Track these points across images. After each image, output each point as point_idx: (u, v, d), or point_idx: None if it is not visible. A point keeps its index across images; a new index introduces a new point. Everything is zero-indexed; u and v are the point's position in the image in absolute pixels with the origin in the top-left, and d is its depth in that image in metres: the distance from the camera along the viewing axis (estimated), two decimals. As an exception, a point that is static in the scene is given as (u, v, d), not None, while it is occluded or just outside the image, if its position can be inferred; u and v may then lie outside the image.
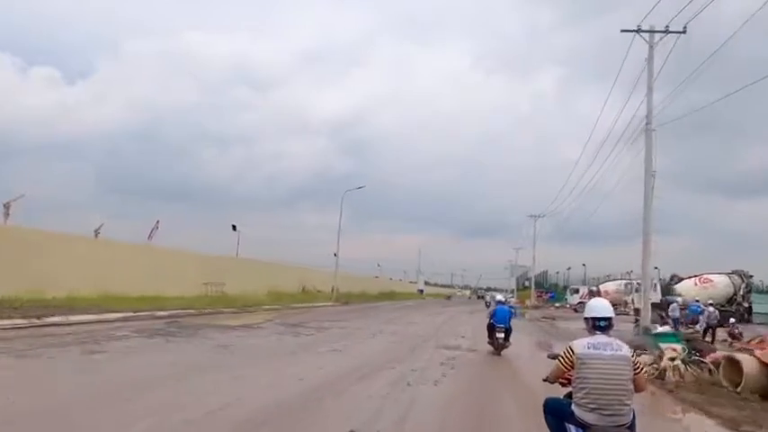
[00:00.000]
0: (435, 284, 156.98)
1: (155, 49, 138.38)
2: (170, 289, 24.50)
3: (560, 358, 4.23)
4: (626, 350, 4.07)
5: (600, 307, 4.33)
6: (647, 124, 19.85)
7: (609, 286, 53.73)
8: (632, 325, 23.21)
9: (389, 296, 66.64)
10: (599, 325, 4.20)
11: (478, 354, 14.19)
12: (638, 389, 4.10)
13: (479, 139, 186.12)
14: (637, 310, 37.98)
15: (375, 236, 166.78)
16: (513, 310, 15.39)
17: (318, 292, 44.56)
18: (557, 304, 64.10)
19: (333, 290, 44.56)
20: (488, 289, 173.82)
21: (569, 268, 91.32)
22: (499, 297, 16.74)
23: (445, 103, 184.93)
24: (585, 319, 4.36)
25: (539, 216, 64.26)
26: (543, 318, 38.13)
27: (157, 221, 53.20)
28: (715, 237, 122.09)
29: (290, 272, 43.12)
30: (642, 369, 4.21)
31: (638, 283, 39.98)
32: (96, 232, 40.37)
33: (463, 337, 18.91)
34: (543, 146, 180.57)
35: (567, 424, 4.06)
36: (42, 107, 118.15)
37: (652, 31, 18.84)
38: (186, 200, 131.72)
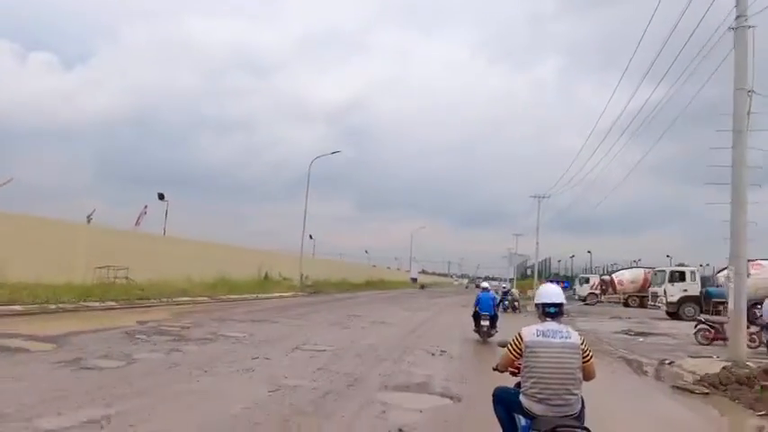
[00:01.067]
0: (433, 273, 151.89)
1: (154, 34, 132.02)
2: (54, 273, 17.14)
3: (509, 346, 4.01)
4: (575, 337, 3.87)
5: (550, 293, 4.13)
6: (737, 17, 12.12)
7: (624, 275, 46.18)
8: (691, 330, 15.73)
9: (376, 285, 59.28)
10: (549, 311, 3.99)
11: (472, 408, 6.57)
12: (586, 377, 3.90)
13: (479, 128, 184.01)
14: (671, 304, 31.22)
15: (374, 224, 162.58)
16: (497, 298, 15.29)
17: (284, 279, 37.02)
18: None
19: (302, 278, 37.12)
20: (487, 278, 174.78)
21: (573, 256, 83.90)
22: (484, 284, 15.65)
23: (445, 90, 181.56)
24: (536, 305, 4.11)
25: (543, 197, 56.72)
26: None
27: (145, 206, 48.66)
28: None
29: (250, 256, 35.57)
30: (591, 357, 3.93)
31: (678, 271, 33.13)
32: (89, 218, 36.05)
33: (445, 353, 11.27)
34: (543, 135, 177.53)
35: (515, 414, 3.92)
36: (40, 93, 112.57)
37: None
38: (185, 186, 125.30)
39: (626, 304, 44.56)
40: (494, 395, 4.13)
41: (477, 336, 13.72)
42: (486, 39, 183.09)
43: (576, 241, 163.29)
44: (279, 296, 28.77)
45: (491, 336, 13.14)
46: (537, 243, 57.15)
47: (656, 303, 31.39)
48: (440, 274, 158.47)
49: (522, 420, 3.83)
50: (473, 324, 13.98)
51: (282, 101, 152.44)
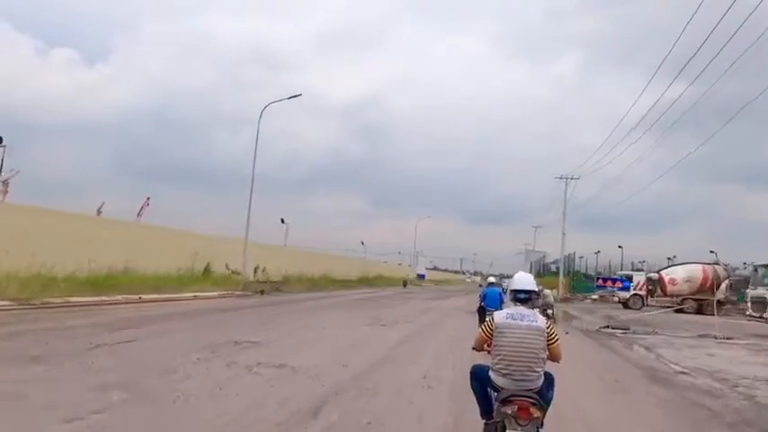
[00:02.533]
0: (446, 270, 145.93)
1: (172, 31, 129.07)
2: None
3: (483, 327, 4.41)
4: (541, 321, 4.21)
5: (523, 281, 4.47)
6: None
7: (677, 273, 35.89)
8: None
9: (372, 282, 49.66)
10: (519, 297, 4.37)
11: None
12: (553, 358, 4.27)
13: (494, 125, 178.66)
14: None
15: (387, 221, 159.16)
16: (504, 293, 12.68)
17: (234, 273, 27.41)
18: (593, 296, 46.70)
19: (256, 270, 27.62)
20: (501, 276, 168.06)
21: (598, 252, 73.18)
22: (491, 279, 15.10)
23: (460, 87, 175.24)
24: (509, 291, 4.53)
25: (571, 178, 46.59)
26: (606, 329, 17.91)
27: (147, 198, 50.04)
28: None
29: (192, 242, 26.12)
30: (557, 339, 4.26)
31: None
32: (99, 211, 37.04)
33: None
34: (560, 132, 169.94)
35: (488, 389, 4.28)
36: (61, 88, 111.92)
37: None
38: (200, 180, 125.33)
39: (680, 310, 34.45)
40: (471, 372, 4.46)
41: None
42: (502, 34, 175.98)
43: (594, 239, 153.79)
44: (195, 296, 19.18)
45: None
46: (563, 233, 47.16)
47: (752, 312, 21.45)
48: (453, 271, 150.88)
49: (492, 394, 4.21)
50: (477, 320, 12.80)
51: (296, 97, 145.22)
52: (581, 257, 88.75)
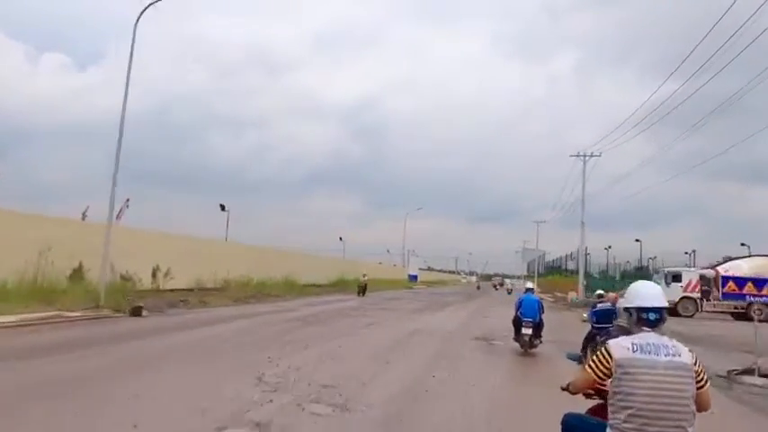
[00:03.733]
0: (441, 270, 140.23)
1: (168, 33, 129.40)
2: None
3: (593, 363, 2.85)
4: (686, 355, 2.73)
5: (650, 293, 2.93)
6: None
7: (741, 268, 27.32)
8: None
9: (348, 285, 40.50)
10: (648, 318, 2.84)
11: None
12: (700, 407, 2.74)
13: (492, 125, 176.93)
14: None
15: (384, 221, 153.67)
16: (542, 302, 11.94)
17: (123, 279, 18.18)
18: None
19: (155, 274, 18.42)
20: (495, 275, 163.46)
21: (609, 247, 63.92)
22: (528, 285, 12.83)
23: (458, 87, 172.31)
24: (626, 309, 2.97)
25: (590, 156, 37.66)
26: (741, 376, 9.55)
27: (127, 200, 45.89)
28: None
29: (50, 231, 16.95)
30: (707, 382, 2.76)
31: None
32: (84, 215, 34.15)
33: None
34: (557, 131, 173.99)
35: None
36: (53, 93, 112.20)
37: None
38: (197, 184, 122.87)
39: (740, 315, 26.02)
40: (563, 424, 3.08)
41: (516, 346, 11.36)
42: (501, 34, 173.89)
43: (589, 237, 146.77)
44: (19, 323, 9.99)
45: (534, 346, 11.32)
46: (582, 223, 37.96)
47: None
48: (448, 272, 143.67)
49: None
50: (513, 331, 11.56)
51: (294, 99, 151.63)
52: (588, 254, 79.87)
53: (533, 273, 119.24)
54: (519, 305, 11.58)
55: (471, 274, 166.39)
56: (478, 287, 66.76)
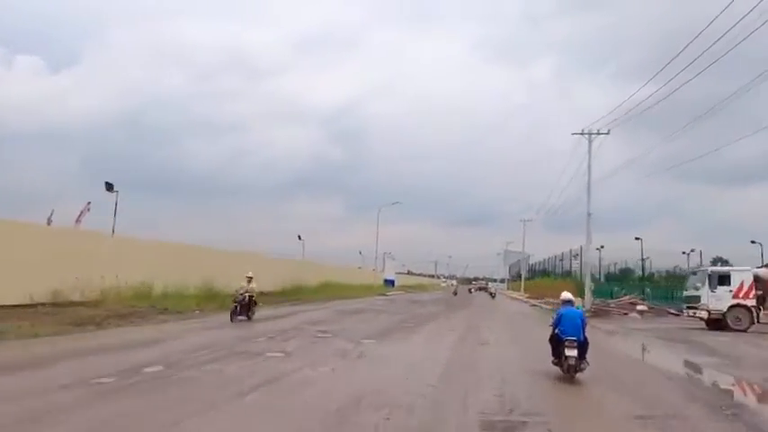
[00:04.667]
0: (421, 275, 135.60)
1: (144, 37, 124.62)
2: None
3: None
4: None
5: None
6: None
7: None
8: None
9: (299, 294, 32.85)
10: None
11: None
12: None
13: (472, 129, 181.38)
14: None
15: (364, 226, 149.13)
16: (585, 315, 10.31)
17: None
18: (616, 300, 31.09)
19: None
20: (476, 279, 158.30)
21: (601, 247, 56.97)
22: (566, 295, 10.04)
23: (439, 92, 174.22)
24: None
25: (596, 133, 30.60)
26: None
27: (88, 203, 44.82)
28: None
29: None
30: None
31: None
32: (49, 220, 34.21)
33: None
34: (537, 136, 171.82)
35: None
36: (25, 96, 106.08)
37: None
38: (173, 188, 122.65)
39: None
40: None
41: (557, 369, 9.07)
42: (481, 39, 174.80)
43: (563, 240, 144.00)
44: None
45: (581, 370, 8.92)
46: (588, 215, 30.78)
47: None
48: (428, 276, 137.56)
49: None
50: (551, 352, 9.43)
51: (274, 103, 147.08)
52: (574, 256, 73.14)
53: (515, 276, 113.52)
54: (558, 321, 9.37)
55: (451, 277, 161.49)
56: (455, 293, 59.55)
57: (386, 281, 67.09)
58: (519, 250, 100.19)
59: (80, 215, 45.12)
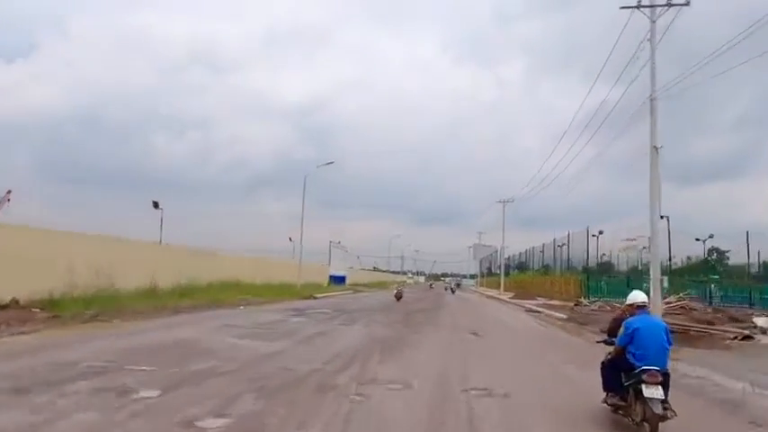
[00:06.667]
0: (387, 271, 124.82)
1: (105, 28, 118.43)
2: None
3: None
4: None
5: None
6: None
7: None
8: None
9: (157, 301, 19.49)
10: None
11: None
12: None
13: (441, 127, 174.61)
14: None
15: (333, 222, 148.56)
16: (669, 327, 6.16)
17: None
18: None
19: None
20: (444, 275, 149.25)
21: (600, 233, 45.05)
22: (641, 297, 6.29)
23: (408, 90, 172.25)
24: None
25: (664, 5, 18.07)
26: None
27: (8, 191, 39.50)
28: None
29: None
30: None
31: None
32: None
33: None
34: (505, 135, 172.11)
35: None
36: None
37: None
38: (136, 186, 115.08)
39: None
40: None
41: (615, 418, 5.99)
42: (451, 38, 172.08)
43: (532, 238, 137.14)
44: None
45: (666, 419, 5.40)
46: (652, 99, 19.25)
47: None
48: (394, 272, 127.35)
49: None
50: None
51: (241, 98, 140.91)
52: (561, 245, 61.22)
53: (486, 271, 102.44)
54: (630, 336, 5.77)
55: (419, 273, 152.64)
56: (431, 286, 48.57)
57: (333, 278, 53.88)
58: (490, 244, 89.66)
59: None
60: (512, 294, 46.70)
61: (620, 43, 19.52)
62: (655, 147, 18.07)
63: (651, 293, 17.37)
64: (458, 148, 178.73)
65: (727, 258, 46.93)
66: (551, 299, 37.93)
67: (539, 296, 40.48)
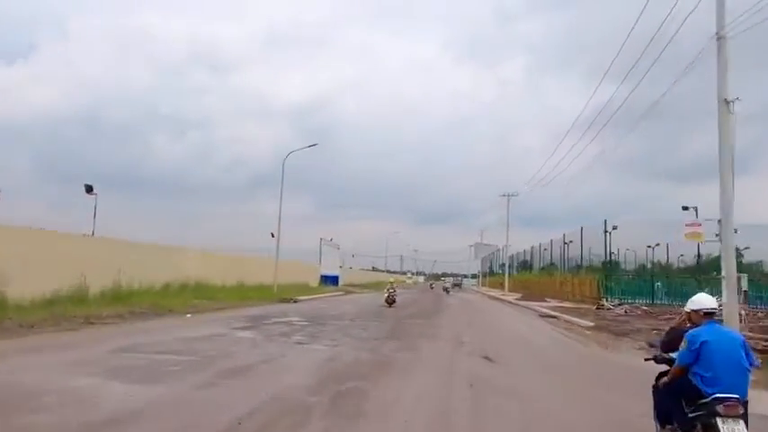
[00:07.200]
0: (386, 271, 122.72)
1: (105, 28, 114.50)
2: None
3: None
4: None
5: None
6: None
7: None
8: None
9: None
10: None
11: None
12: None
13: (442, 127, 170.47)
14: None
15: (334, 223, 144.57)
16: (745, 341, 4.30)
17: None
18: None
19: None
20: (444, 275, 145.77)
21: (615, 227, 40.21)
22: (708, 302, 4.52)
23: (410, 89, 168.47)
24: None
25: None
26: None
27: None
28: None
29: None
30: None
31: None
32: None
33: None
34: (506, 134, 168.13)
35: None
36: None
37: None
38: (135, 186, 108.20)
39: None
40: None
41: None
42: (451, 37, 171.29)
43: (532, 237, 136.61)
44: None
45: None
46: (718, 38, 13.73)
47: None
48: (394, 272, 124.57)
49: None
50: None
51: (242, 99, 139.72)
52: (568, 242, 56.25)
53: (488, 271, 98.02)
54: (695, 353, 4.24)
55: (419, 273, 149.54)
56: (432, 286, 44.99)
57: (324, 277, 49.09)
58: (491, 243, 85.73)
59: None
60: (518, 295, 41.99)
61: (623, 40, 16.71)
62: (725, 100, 13.44)
63: (724, 296, 12.87)
64: (458, 148, 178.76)
65: (742, 256, 43.40)
66: (562, 300, 33.41)
67: (547, 297, 35.95)
